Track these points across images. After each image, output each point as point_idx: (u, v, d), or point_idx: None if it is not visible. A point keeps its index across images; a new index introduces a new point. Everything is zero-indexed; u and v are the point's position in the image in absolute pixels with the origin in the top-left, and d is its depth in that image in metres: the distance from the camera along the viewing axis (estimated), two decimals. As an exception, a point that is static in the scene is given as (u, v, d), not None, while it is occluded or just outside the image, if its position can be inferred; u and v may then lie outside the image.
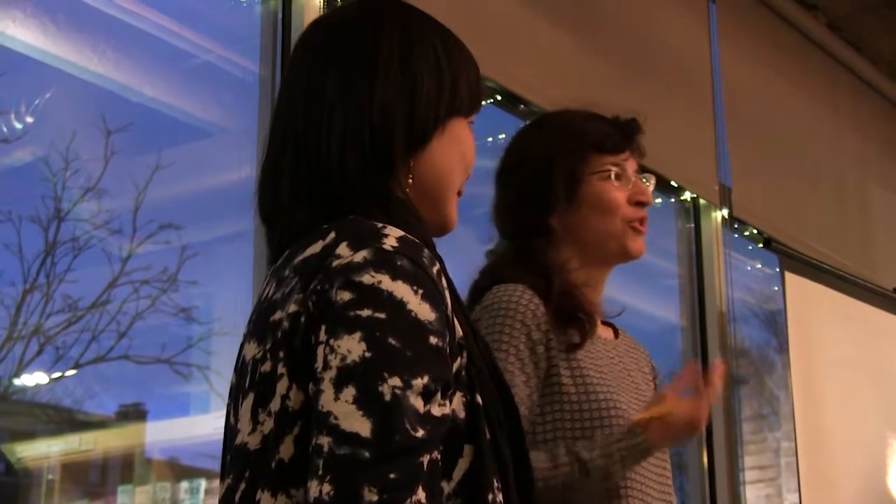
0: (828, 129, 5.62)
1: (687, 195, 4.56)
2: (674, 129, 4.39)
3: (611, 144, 2.01)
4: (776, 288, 4.71)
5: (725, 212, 4.62)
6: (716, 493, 4.31)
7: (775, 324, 5.22)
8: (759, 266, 5.20)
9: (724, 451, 4.37)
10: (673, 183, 4.45)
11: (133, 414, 3.79)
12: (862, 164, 5.86)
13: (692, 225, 4.60)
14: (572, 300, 1.92)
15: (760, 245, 4.68)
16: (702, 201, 4.59)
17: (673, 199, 4.59)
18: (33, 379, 3.41)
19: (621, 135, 2.03)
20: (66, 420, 3.64)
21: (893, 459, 4.65)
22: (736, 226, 4.75)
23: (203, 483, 3.45)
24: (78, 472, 3.71)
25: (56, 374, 3.44)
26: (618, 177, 2.00)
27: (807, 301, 4.48)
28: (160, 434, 3.77)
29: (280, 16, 3.18)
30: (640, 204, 2.00)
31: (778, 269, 4.45)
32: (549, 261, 1.95)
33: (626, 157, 2.02)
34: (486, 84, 3.69)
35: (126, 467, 3.81)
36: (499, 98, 3.75)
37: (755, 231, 4.83)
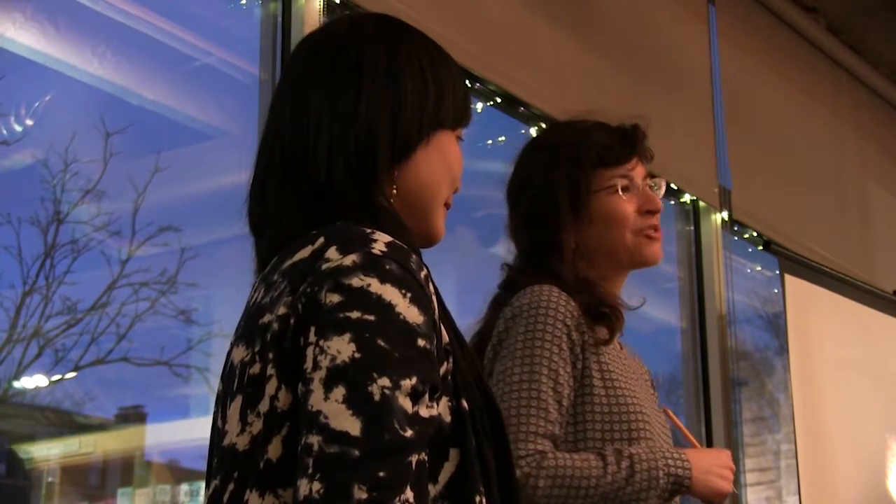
0: (827, 132, 5.62)
1: (687, 198, 4.56)
2: (674, 131, 4.39)
3: (613, 158, 2.02)
4: (776, 290, 4.71)
5: (725, 214, 4.62)
6: (716, 496, 4.31)
7: (775, 326, 5.22)
8: (759, 268, 5.20)
9: (723, 454, 4.36)
10: (673, 185, 4.45)
11: (133, 416, 3.79)
12: (862, 166, 5.86)
13: (692, 227, 4.60)
14: (595, 296, 1.95)
15: (760, 247, 4.68)
16: (701, 204, 4.59)
17: (673, 202, 4.59)
18: (33, 381, 3.41)
19: (624, 145, 2.04)
20: (66, 423, 3.63)
21: (893, 462, 4.65)
22: (736, 228, 4.75)
23: (203, 486, 3.45)
24: (78, 475, 3.71)
25: (55, 377, 3.44)
26: (625, 189, 2.01)
27: (807, 303, 4.48)
28: (160, 436, 3.77)
29: (280, 19, 3.18)
30: (651, 212, 2.01)
31: (778, 272, 4.44)
32: (564, 266, 1.97)
33: (632, 166, 2.03)
34: (486, 86, 3.69)
35: (126, 470, 3.81)
36: (498, 100, 3.75)
37: (755, 233, 4.83)
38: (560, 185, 1.99)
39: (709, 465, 1.88)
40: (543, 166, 2.03)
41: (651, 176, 2.08)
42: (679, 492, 1.86)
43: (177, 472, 3.71)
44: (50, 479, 3.55)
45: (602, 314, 1.93)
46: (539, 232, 2.00)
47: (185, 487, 3.51)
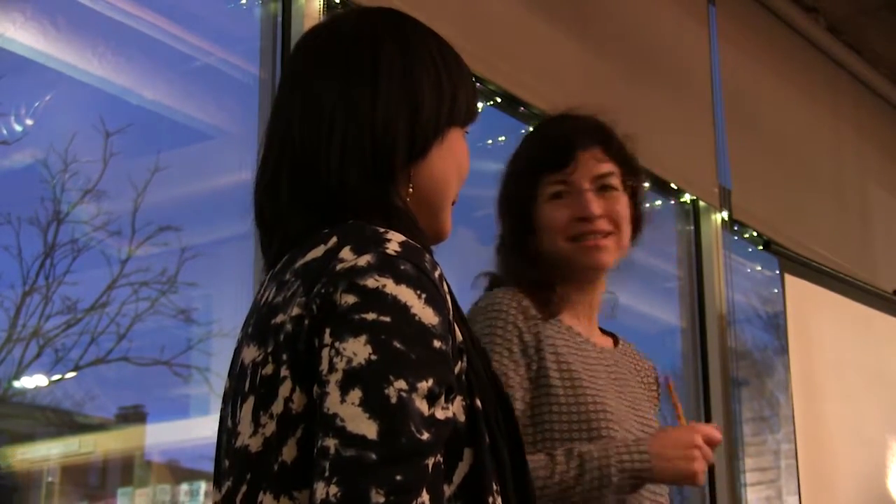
0: (827, 132, 5.62)
1: (687, 197, 4.56)
2: (674, 131, 4.39)
3: (547, 164, 1.98)
4: (776, 290, 4.71)
5: (725, 214, 4.62)
6: (716, 495, 4.31)
7: (775, 326, 5.22)
8: (759, 268, 5.20)
9: (724, 453, 4.37)
10: (672, 185, 4.45)
11: (133, 416, 3.79)
12: (861, 166, 5.86)
13: (692, 227, 4.60)
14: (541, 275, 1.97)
15: (760, 247, 4.68)
16: (701, 203, 4.59)
17: (673, 202, 4.59)
18: (33, 381, 3.41)
19: (558, 148, 1.99)
20: (66, 422, 3.64)
21: (893, 461, 4.65)
22: (736, 228, 4.75)
23: (203, 485, 3.45)
24: (78, 475, 3.71)
25: (55, 377, 3.44)
26: (558, 195, 1.97)
27: (807, 303, 4.48)
28: (160, 436, 3.77)
29: (280, 19, 3.18)
30: (584, 219, 1.95)
31: (778, 272, 4.44)
32: (530, 269, 1.99)
33: (572, 169, 1.97)
34: (486, 86, 3.68)
35: (126, 470, 3.81)
36: (498, 100, 3.74)
37: (755, 233, 4.83)
38: (512, 195, 2.02)
39: (670, 449, 1.82)
40: (505, 177, 2.06)
41: (633, 173, 2.03)
42: (641, 484, 1.82)
43: (177, 472, 3.71)
44: (50, 479, 3.55)
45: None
46: (505, 238, 2.05)
47: (185, 487, 3.51)
